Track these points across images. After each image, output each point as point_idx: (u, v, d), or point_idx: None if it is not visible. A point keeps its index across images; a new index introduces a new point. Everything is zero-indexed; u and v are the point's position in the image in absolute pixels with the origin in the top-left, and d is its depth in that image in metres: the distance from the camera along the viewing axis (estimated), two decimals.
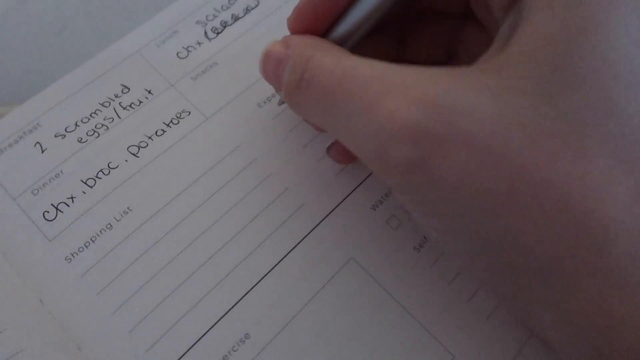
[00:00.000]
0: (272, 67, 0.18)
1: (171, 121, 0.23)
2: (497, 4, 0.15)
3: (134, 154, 0.22)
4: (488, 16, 0.16)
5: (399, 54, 0.21)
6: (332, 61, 0.15)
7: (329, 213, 0.21)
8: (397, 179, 0.14)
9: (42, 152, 0.22)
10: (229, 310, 0.19)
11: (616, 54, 0.13)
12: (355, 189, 0.22)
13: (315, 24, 0.18)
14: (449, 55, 0.21)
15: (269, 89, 0.23)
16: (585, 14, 0.13)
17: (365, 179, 0.22)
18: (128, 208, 0.21)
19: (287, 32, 0.19)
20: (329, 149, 0.22)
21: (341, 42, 0.18)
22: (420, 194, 0.14)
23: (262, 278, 0.20)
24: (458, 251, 0.15)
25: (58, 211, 0.21)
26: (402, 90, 0.13)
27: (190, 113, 0.23)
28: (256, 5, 0.25)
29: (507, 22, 0.15)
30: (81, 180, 0.21)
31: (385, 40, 0.20)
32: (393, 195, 0.16)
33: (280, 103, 0.23)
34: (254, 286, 0.20)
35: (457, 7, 0.18)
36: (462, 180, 0.13)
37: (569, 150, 0.13)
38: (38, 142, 0.22)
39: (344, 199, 0.22)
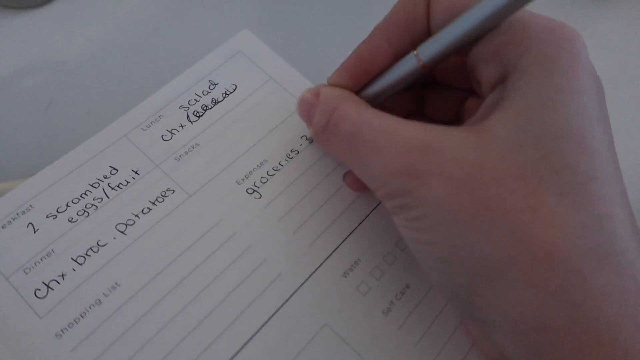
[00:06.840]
0: (305, 109, 0.23)
1: (156, 199, 0.24)
2: (485, 83, 0.20)
3: (121, 232, 0.23)
4: (480, 90, 0.21)
5: (417, 110, 0.26)
6: (354, 112, 0.20)
7: (304, 282, 0.23)
8: (394, 201, 0.19)
9: (35, 232, 0.23)
10: None
11: (574, 125, 0.17)
12: (327, 258, 0.24)
13: (349, 84, 0.22)
14: (456, 117, 0.25)
15: (246, 168, 0.26)
16: (550, 96, 0.17)
17: (336, 248, 0.24)
18: (116, 283, 0.22)
19: (264, 113, 0.24)
20: (345, 176, 0.26)
21: (370, 100, 0.22)
22: (408, 212, 0.19)
23: (243, 346, 0.22)
24: (431, 259, 0.19)
25: (49, 289, 0.22)
26: (403, 143, 0.18)
27: (174, 191, 0.25)
28: (234, 90, 0.28)
29: (492, 96, 0.19)
30: (71, 258, 0.23)
31: (408, 97, 0.25)
32: (392, 219, 0.20)
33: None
34: (235, 355, 0.21)
35: (463, 83, 0.23)
36: (439, 203, 0.17)
37: (527, 188, 0.16)
38: (30, 223, 0.23)
39: (317, 268, 0.24)
